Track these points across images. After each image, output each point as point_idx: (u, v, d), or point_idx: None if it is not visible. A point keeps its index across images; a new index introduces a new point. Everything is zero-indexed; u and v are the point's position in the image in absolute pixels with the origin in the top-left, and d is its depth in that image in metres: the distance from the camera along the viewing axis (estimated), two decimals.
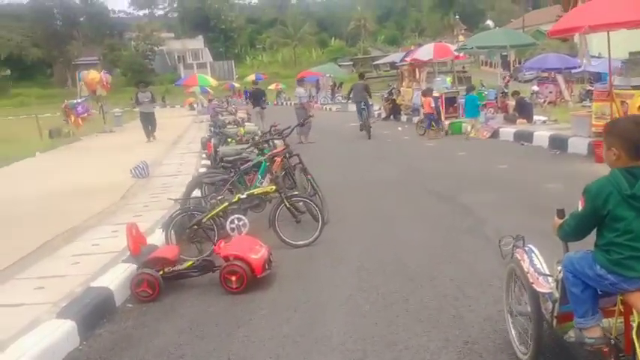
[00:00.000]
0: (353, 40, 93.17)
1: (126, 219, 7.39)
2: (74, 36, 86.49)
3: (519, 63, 63.04)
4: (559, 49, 38.48)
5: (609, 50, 10.68)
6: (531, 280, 3.32)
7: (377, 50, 69.47)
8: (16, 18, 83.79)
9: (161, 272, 5.32)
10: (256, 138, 13.23)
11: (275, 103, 45.72)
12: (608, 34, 10.36)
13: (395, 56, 30.35)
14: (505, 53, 24.78)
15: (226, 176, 7.70)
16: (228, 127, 15.78)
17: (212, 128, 15.82)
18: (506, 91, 28.62)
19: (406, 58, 22.84)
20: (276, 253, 5.86)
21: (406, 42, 65.22)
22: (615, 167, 2.84)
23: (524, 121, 15.60)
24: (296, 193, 6.99)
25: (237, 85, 56.93)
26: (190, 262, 5.46)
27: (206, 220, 6.24)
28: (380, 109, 25.83)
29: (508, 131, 14.95)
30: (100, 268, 5.51)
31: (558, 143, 12.52)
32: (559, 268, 3.19)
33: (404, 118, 22.98)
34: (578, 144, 11.86)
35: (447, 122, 18.28)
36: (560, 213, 3.26)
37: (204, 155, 13.10)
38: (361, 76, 21.92)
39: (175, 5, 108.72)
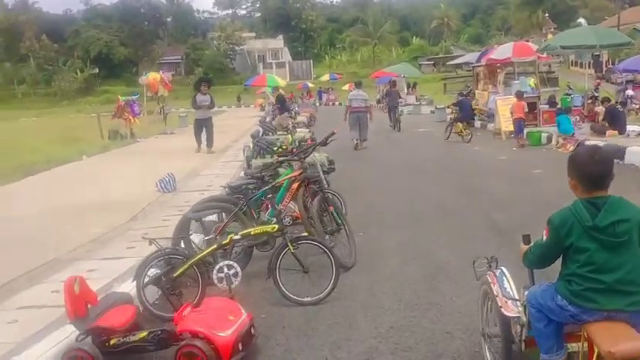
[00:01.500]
0: (435, 39, 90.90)
1: (116, 251, 6.25)
2: (159, 35, 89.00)
3: (613, 64, 59.00)
4: None
5: None
6: (500, 304, 3.29)
7: (459, 49, 66.72)
8: (105, 18, 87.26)
9: (107, 344, 4.05)
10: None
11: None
12: None
13: (471, 56, 28.04)
14: (597, 53, 22.20)
15: (218, 210, 6.43)
16: (279, 133, 14.55)
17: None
18: (596, 95, 26.06)
19: (483, 58, 20.75)
20: (277, 311, 4.62)
21: (491, 41, 62.12)
22: (578, 197, 2.86)
23: (615, 132, 13.42)
24: (305, 234, 5.51)
25: (311, 85, 55.92)
26: (144, 333, 4.14)
27: (186, 269, 4.90)
28: (451, 112, 23.84)
29: (594, 143, 12.69)
30: (36, 332, 4.30)
31: None
32: (525, 292, 3.18)
33: (477, 124, 20.95)
34: None
35: (525, 131, 16.32)
36: (526, 239, 3.24)
37: (245, 166, 11.87)
38: (393, 83, 24.19)
39: (258, 5, 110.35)
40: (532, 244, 3.13)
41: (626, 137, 13.10)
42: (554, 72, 26.20)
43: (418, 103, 34.17)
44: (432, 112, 27.59)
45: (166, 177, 10.16)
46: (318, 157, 9.83)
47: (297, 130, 15.86)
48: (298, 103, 34.93)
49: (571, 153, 3.16)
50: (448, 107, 22.58)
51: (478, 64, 22.46)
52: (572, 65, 72.20)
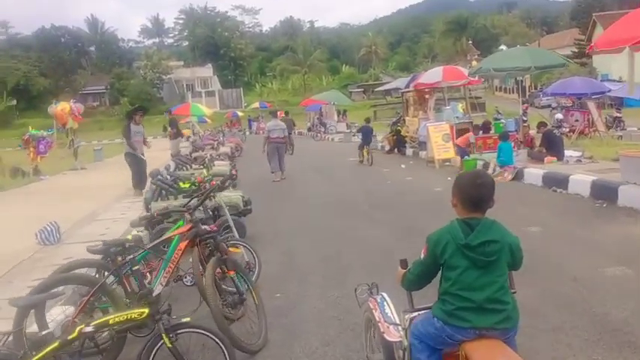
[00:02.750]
0: (364, 67, 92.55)
1: None
2: (82, 65, 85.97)
3: (535, 88, 60.62)
4: (578, 73, 35.85)
5: None
6: (382, 329, 3.25)
7: (388, 77, 67.12)
8: (24, 48, 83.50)
9: None
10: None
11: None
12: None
13: (399, 82, 27.29)
14: (520, 78, 21.97)
15: (75, 285, 4.89)
16: (194, 167, 13.09)
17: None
18: (525, 118, 25.83)
19: (412, 83, 19.98)
20: None
21: (418, 68, 62.97)
22: (457, 216, 2.96)
23: (554, 158, 12.68)
24: (185, 321, 3.94)
25: (240, 113, 54.47)
26: None
27: None
28: (383, 140, 22.96)
29: (535, 172, 11.95)
30: None
31: (604, 192, 9.52)
32: (406, 317, 3.16)
33: (409, 151, 20.08)
34: (633, 194, 8.89)
35: (458, 158, 15.46)
36: (403, 263, 3.23)
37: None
38: (367, 120, 22.36)
39: (186, 34, 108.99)
40: (411, 265, 3.14)
41: (565, 164, 12.34)
42: (480, 97, 25.92)
43: (349, 130, 33.32)
44: None
45: (49, 226, 8.48)
46: (233, 196, 8.69)
47: (217, 163, 14.46)
48: (224, 133, 33.48)
49: (458, 175, 3.25)
50: (354, 135, 26.22)
51: (407, 89, 21.67)
52: (496, 90, 74.37)
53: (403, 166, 16.70)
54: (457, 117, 17.49)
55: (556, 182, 10.89)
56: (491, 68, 13.69)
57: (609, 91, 22.13)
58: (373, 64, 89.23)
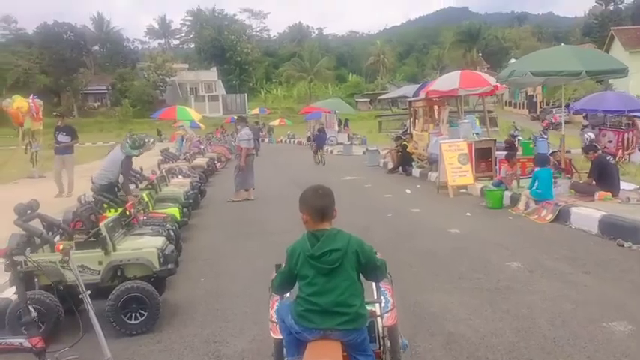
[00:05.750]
0: (371, 77, 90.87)
1: None
2: (85, 64, 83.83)
3: (547, 104, 57.75)
4: (593, 90, 33.23)
5: None
6: (270, 327, 3.43)
7: (395, 87, 64.46)
8: (26, 44, 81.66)
9: None
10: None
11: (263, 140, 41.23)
12: None
13: (407, 89, 24.33)
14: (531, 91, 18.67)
15: None
16: (142, 187, 10.32)
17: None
18: (545, 137, 22.99)
19: (421, 91, 17.11)
20: None
21: (426, 79, 60.44)
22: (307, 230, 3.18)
23: (608, 194, 9.58)
24: None
25: None
26: None
27: None
28: (386, 157, 20.10)
29: (587, 214, 8.78)
30: None
31: None
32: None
33: (416, 172, 17.21)
34: None
35: (478, 186, 12.62)
36: (277, 268, 3.46)
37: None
38: (320, 129, 26.74)
39: (192, 36, 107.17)
40: (276, 273, 3.40)
41: (625, 202, 9.31)
42: (492, 111, 23.03)
43: (349, 142, 30.52)
44: (364, 152, 23.91)
45: None
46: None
47: (175, 182, 11.74)
48: (212, 140, 30.61)
49: (303, 192, 3.28)
50: (308, 140, 29.77)
51: (416, 98, 18.82)
52: (505, 105, 71.64)
53: (408, 191, 13.79)
54: (477, 134, 14.63)
55: (621, 232, 7.81)
56: (528, 71, 10.66)
57: None
58: (381, 74, 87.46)
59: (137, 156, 9.58)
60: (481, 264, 6.90)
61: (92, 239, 5.56)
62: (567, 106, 49.39)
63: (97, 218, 7.48)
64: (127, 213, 7.74)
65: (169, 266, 5.63)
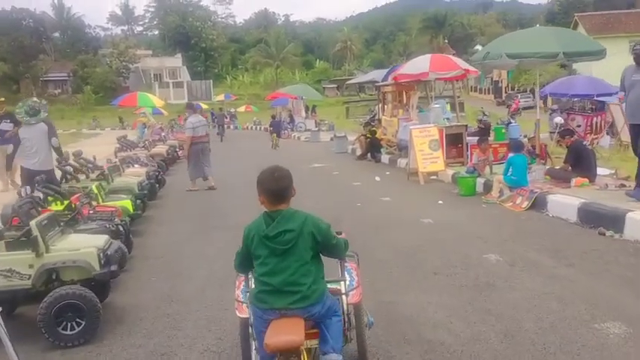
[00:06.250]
0: (339, 63, 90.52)
1: None
2: (45, 51, 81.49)
3: (512, 89, 58.02)
4: (557, 75, 33.35)
5: None
6: (236, 306, 3.57)
7: (362, 73, 64.11)
8: None
9: None
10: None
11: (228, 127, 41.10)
12: None
13: (376, 73, 23.74)
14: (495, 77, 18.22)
15: None
16: (93, 176, 9.57)
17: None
18: (512, 121, 22.72)
19: (390, 75, 16.53)
20: None
21: (392, 65, 60.13)
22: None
23: (585, 179, 9.13)
24: None
25: (205, 105, 50.65)
26: None
27: None
28: (354, 143, 19.56)
29: (565, 201, 8.31)
30: None
31: None
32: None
33: (385, 158, 16.70)
34: None
35: (449, 172, 12.17)
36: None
37: None
38: (273, 116, 30.74)
39: (156, 22, 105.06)
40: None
41: (603, 189, 8.91)
42: (459, 96, 22.62)
43: (317, 129, 29.92)
44: (332, 139, 23.35)
45: None
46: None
47: (130, 171, 11.02)
48: (174, 127, 29.45)
49: (260, 173, 3.27)
50: (267, 129, 31.61)
51: (385, 82, 18.25)
52: (471, 90, 71.87)
53: (378, 178, 13.22)
54: (447, 118, 14.12)
55: (602, 220, 7.32)
56: (503, 53, 10.11)
57: (617, 92, 19.03)
58: (348, 61, 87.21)
59: (34, 124, 9.20)
60: (458, 257, 6.39)
61: (23, 239, 4.87)
62: (532, 90, 49.62)
63: (38, 213, 6.78)
64: (72, 206, 7.07)
65: (112, 268, 4.95)
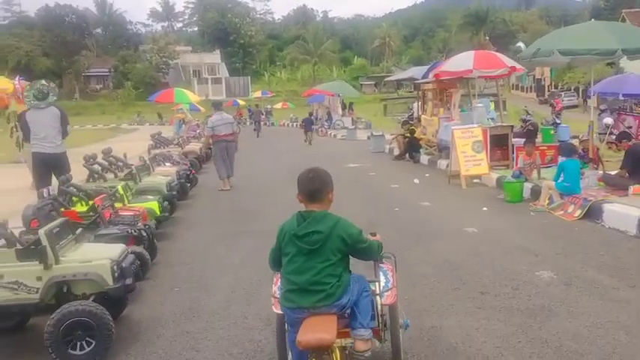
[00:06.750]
0: (377, 60, 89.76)
1: None
2: (87, 46, 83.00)
3: (556, 87, 56.37)
4: (604, 73, 32.05)
5: None
6: (272, 302, 3.53)
7: (401, 70, 63.23)
8: (27, 27, 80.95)
9: None
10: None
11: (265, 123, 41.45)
12: None
13: (415, 70, 22.88)
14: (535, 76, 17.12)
15: None
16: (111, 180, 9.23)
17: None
18: (558, 121, 21.76)
19: (431, 72, 15.83)
20: None
21: (432, 62, 59.10)
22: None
23: None
24: None
25: (241, 102, 50.68)
26: None
27: None
28: (392, 142, 18.94)
29: (621, 211, 7.64)
30: None
31: None
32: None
33: (424, 159, 16.07)
34: None
35: (494, 176, 11.50)
36: None
37: None
38: (310, 114, 32.12)
39: (195, 18, 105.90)
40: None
41: None
42: (501, 94, 21.76)
43: (354, 127, 29.36)
44: (369, 137, 22.75)
45: None
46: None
47: (160, 170, 10.71)
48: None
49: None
50: (300, 126, 31.21)
51: (425, 80, 17.57)
52: (512, 88, 70.21)
53: (417, 180, 12.62)
54: (492, 119, 13.42)
55: None
56: (555, 50, 9.43)
57: None
58: (386, 57, 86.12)
59: (44, 108, 8.88)
60: (507, 274, 5.80)
61: (32, 247, 4.50)
62: (576, 89, 47.85)
63: (59, 215, 6.45)
64: (96, 208, 6.73)
65: (127, 282, 4.54)
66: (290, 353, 3.35)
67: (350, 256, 3.28)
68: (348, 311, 3.19)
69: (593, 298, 5.07)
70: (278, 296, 3.42)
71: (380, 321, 3.46)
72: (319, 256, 3.10)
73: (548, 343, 4.18)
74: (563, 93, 46.93)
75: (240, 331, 4.69)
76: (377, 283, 3.52)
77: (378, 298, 3.46)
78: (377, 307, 3.43)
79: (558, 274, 5.76)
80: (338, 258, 3.14)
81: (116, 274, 4.44)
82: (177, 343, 4.56)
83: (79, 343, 4.20)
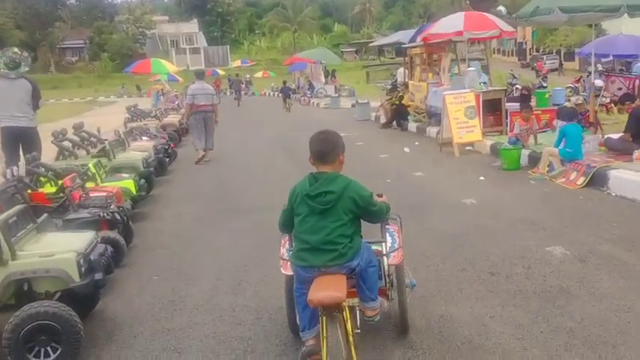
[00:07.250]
0: (357, 26, 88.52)
1: None
2: (61, 18, 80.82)
3: (537, 51, 55.76)
4: (585, 37, 31.66)
5: None
6: (281, 264, 3.64)
7: (382, 37, 62.34)
8: None
9: None
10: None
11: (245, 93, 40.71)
12: None
13: (402, 34, 22.15)
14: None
15: None
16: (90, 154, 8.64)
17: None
18: (545, 84, 21.40)
19: (419, 36, 15.16)
20: None
21: (412, 28, 58.28)
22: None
23: None
24: None
25: (221, 72, 49.60)
26: None
27: None
28: (378, 110, 18.39)
29: (628, 177, 7.26)
30: None
31: None
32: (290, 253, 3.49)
33: (412, 126, 15.56)
34: None
35: (487, 143, 11.04)
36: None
37: None
38: (285, 82, 32.10)
39: None
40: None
41: None
42: (483, 59, 21.31)
43: (337, 95, 28.73)
44: (353, 105, 22.17)
45: None
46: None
47: (136, 144, 10.10)
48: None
49: None
50: (279, 94, 31.38)
51: (413, 44, 16.90)
52: (494, 52, 69.52)
53: (407, 149, 12.10)
54: (484, 83, 12.88)
55: None
56: (556, 8, 8.83)
57: None
58: (367, 23, 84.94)
59: (14, 78, 8.21)
60: (515, 251, 5.34)
61: None
62: (557, 52, 47.38)
63: (24, 198, 5.87)
64: (64, 189, 6.14)
65: (95, 277, 3.99)
66: (298, 316, 3.38)
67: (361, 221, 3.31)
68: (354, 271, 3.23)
69: (614, 277, 4.63)
70: (287, 258, 3.49)
71: (387, 281, 3.61)
72: (331, 216, 3.14)
73: (574, 333, 3.72)
74: (545, 56, 46.53)
75: (227, 326, 4.18)
76: (383, 244, 3.61)
77: (384, 258, 3.57)
78: (384, 268, 3.58)
79: (570, 249, 5.32)
80: (349, 218, 3.17)
81: (83, 269, 3.88)
82: (157, 343, 4.04)
83: (42, 349, 3.67)
